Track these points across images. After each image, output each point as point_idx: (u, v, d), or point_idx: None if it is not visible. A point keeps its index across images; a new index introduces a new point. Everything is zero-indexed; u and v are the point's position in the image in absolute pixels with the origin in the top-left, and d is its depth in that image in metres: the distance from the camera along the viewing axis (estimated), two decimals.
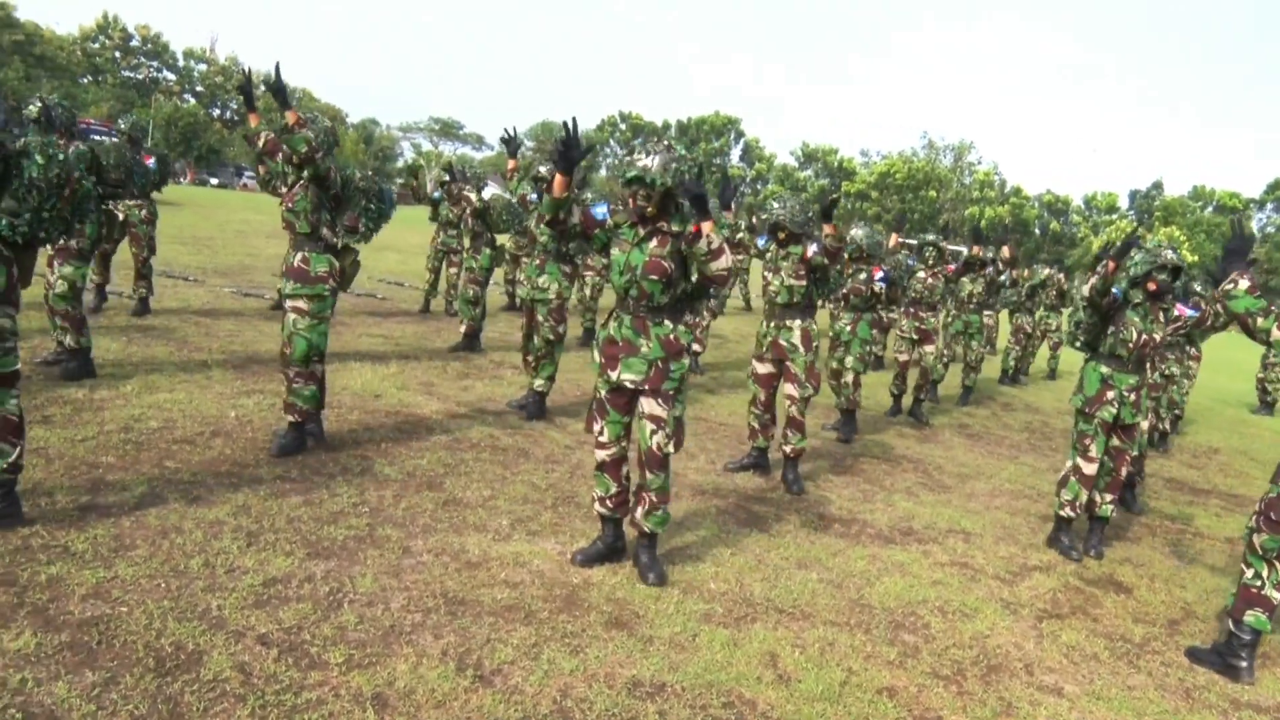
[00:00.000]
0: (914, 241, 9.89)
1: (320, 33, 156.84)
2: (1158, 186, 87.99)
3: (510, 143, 7.62)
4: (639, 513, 4.58)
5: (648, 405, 4.46)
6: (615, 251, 4.50)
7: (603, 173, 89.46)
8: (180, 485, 4.88)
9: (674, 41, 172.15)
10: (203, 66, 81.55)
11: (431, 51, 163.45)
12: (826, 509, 6.20)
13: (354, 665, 3.38)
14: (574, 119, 4.26)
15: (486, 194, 9.22)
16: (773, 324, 6.60)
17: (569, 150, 4.25)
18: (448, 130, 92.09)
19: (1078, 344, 6.03)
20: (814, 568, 5.05)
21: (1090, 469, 5.89)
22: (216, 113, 79.06)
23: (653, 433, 4.46)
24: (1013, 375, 14.21)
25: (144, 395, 6.44)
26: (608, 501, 4.63)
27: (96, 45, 75.03)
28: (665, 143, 4.34)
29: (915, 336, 9.72)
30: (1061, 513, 5.98)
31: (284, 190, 5.68)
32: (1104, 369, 5.83)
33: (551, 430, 7.17)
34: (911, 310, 9.75)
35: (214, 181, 58.40)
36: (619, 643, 3.84)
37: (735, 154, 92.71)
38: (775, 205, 6.69)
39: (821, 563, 5.15)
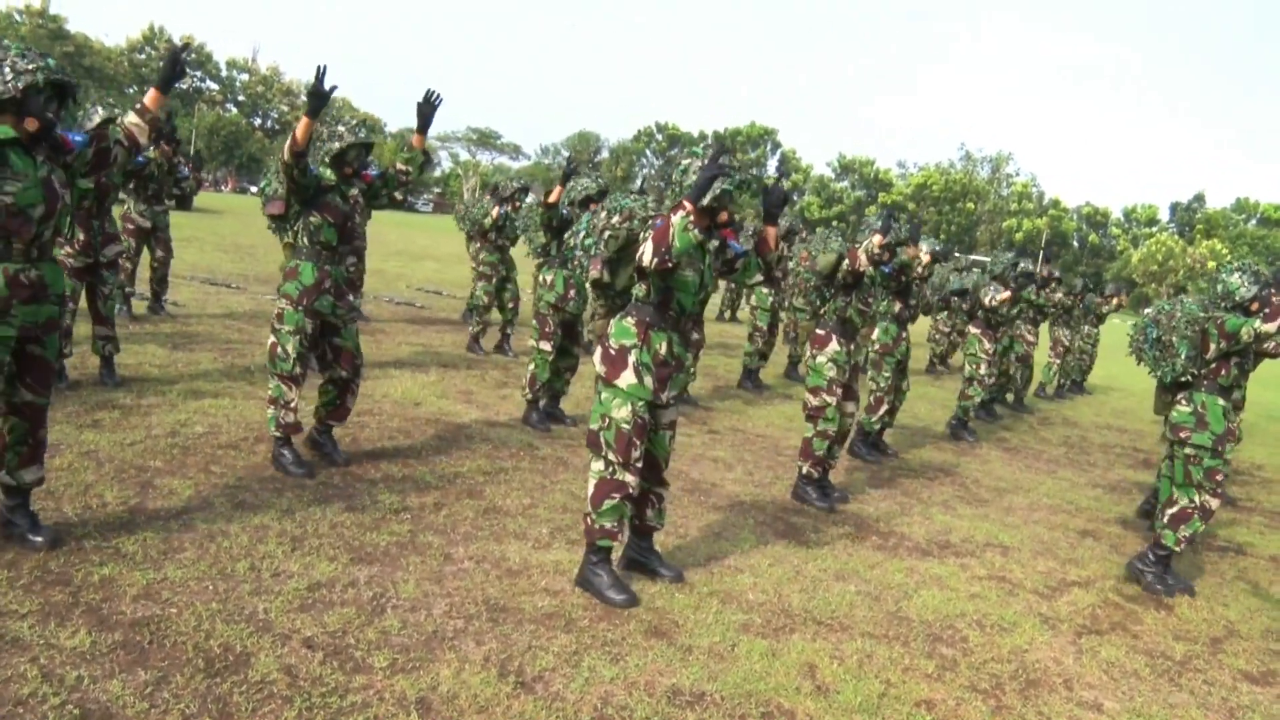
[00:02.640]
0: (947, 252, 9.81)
1: (359, 43, 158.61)
2: (1199, 199, 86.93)
3: (571, 172, 7.40)
4: (650, 514, 4.61)
5: (670, 415, 4.49)
6: (689, 274, 4.30)
7: (639, 183, 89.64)
8: (226, 490, 4.97)
9: (710, 52, 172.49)
10: (244, 76, 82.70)
11: (469, 61, 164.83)
12: (864, 521, 6.19)
13: (398, 669, 3.43)
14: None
15: (531, 200, 9.33)
16: (853, 345, 6.50)
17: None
18: (485, 140, 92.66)
19: (1186, 377, 5.68)
20: (852, 580, 5.06)
21: (1217, 505, 5.60)
22: (258, 122, 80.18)
23: (671, 439, 4.55)
24: (1057, 389, 14.21)
25: (189, 401, 6.55)
26: (619, 534, 4.40)
27: (143, 56, 76.29)
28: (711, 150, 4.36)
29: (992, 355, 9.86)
30: (1177, 548, 5.61)
31: (356, 202, 5.57)
32: (1222, 402, 5.53)
33: None
34: (991, 332, 9.81)
35: (254, 190, 59.10)
36: (658, 651, 3.87)
37: (771, 165, 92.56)
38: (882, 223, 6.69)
39: (859, 575, 5.15)
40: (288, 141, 5.10)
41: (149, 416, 6.04)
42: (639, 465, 4.33)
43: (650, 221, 4.25)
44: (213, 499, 4.81)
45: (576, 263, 4.61)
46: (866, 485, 7.22)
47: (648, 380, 4.26)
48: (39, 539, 3.96)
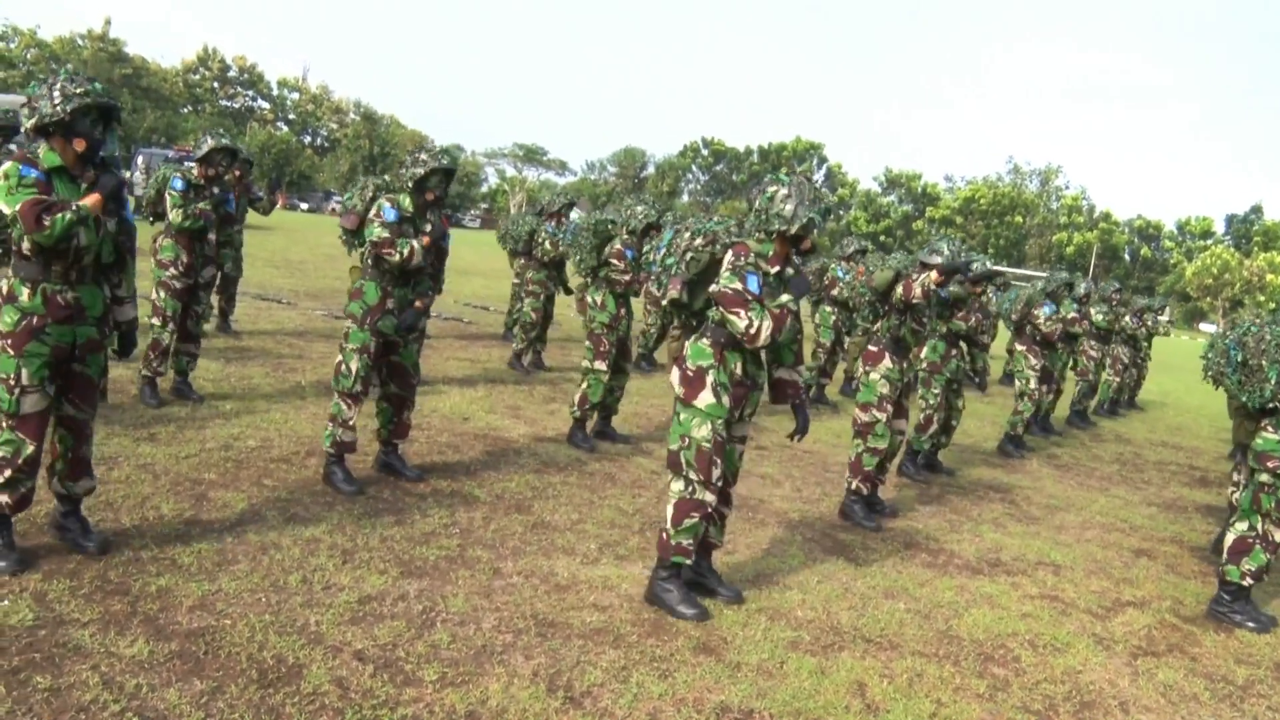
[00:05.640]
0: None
1: (407, 61, 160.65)
2: (1257, 210, 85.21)
3: None
4: (712, 531, 4.60)
5: (742, 429, 4.50)
6: (767, 301, 4.28)
7: (685, 198, 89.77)
8: (278, 503, 5.04)
9: (756, 67, 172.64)
10: (295, 95, 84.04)
11: (516, 77, 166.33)
12: (913, 538, 6.13)
13: (447, 683, 3.45)
14: None
15: (575, 215, 9.36)
16: (905, 364, 6.47)
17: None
18: (531, 156, 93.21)
19: (1275, 403, 5.34)
20: (901, 597, 5.01)
21: None
22: (307, 140, 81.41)
23: (741, 454, 4.54)
24: (1110, 406, 14.02)
25: (242, 415, 6.65)
26: (694, 553, 4.41)
27: (197, 76, 77.92)
28: (799, 176, 4.35)
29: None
30: (1243, 582, 5.34)
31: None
32: None
33: (638, 455, 7.22)
34: (1037, 347, 9.69)
35: (304, 206, 59.99)
36: (707, 668, 3.85)
37: (818, 180, 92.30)
38: (947, 248, 6.65)
39: (909, 592, 5.10)
40: (405, 255, 5.34)
41: (203, 430, 6.14)
42: (719, 484, 4.35)
43: (735, 260, 4.23)
44: (265, 512, 4.88)
45: (653, 279, 4.58)
46: (916, 502, 7.15)
47: (725, 399, 4.27)
48: (89, 544, 4.07)
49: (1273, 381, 5.30)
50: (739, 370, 4.33)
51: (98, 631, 3.44)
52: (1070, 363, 10.95)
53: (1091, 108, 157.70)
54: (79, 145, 3.85)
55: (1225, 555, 5.43)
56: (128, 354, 4.36)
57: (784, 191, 4.28)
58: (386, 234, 5.34)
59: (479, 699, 3.37)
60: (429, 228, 5.56)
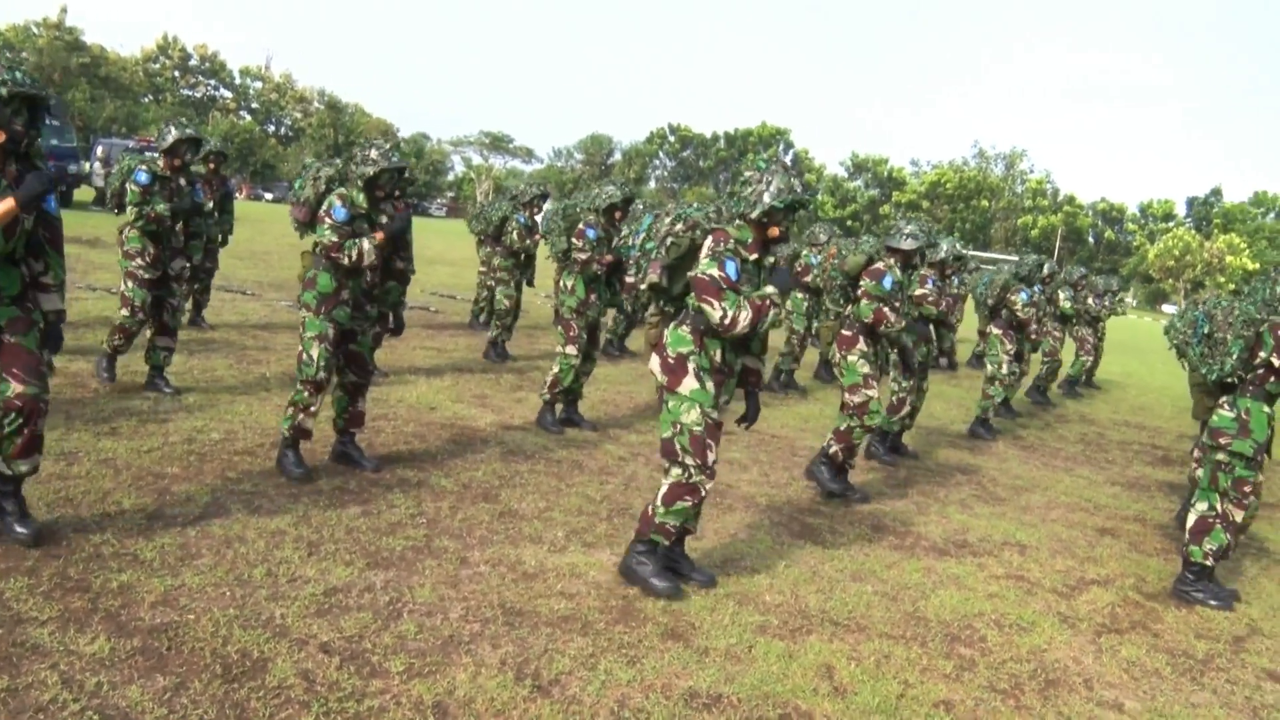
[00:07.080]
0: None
1: (371, 49, 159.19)
2: (1216, 193, 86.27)
3: None
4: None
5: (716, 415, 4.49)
6: (746, 290, 4.28)
7: (652, 185, 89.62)
8: (242, 495, 4.99)
9: (721, 52, 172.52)
10: (258, 84, 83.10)
11: (481, 65, 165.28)
12: (880, 521, 6.17)
13: (414, 674, 3.43)
14: None
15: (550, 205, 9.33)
16: (879, 345, 6.56)
17: None
18: (498, 144, 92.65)
19: (1233, 378, 5.34)
20: (868, 580, 5.04)
21: (1241, 516, 5.35)
22: (271, 129, 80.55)
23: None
24: (1069, 386, 14.17)
25: (206, 408, 6.58)
26: (674, 536, 4.45)
27: (157, 65, 76.86)
28: (777, 163, 4.36)
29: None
30: (1205, 562, 5.36)
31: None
32: (1267, 409, 5.27)
33: (605, 442, 7.21)
34: (1012, 332, 9.75)
35: (268, 196, 59.25)
36: (675, 654, 3.86)
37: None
38: (917, 229, 6.71)
39: (876, 575, 5.13)
40: (354, 259, 5.33)
41: (166, 423, 6.07)
42: (714, 468, 4.36)
43: (714, 246, 4.21)
44: (229, 505, 4.82)
45: (632, 263, 4.57)
46: (883, 485, 7.19)
47: (709, 384, 4.28)
48: (23, 531, 3.98)
49: (1233, 356, 5.30)
50: (718, 357, 4.33)
51: (57, 629, 3.38)
52: (1035, 345, 11.02)
53: (1056, 93, 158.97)
54: None
55: (1188, 536, 5.46)
56: (54, 349, 4.20)
57: (755, 176, 4.32)
58: (335, 238, 5.30)
59: (446, 689, 3.36)
60: (384, 219, 5.53)
